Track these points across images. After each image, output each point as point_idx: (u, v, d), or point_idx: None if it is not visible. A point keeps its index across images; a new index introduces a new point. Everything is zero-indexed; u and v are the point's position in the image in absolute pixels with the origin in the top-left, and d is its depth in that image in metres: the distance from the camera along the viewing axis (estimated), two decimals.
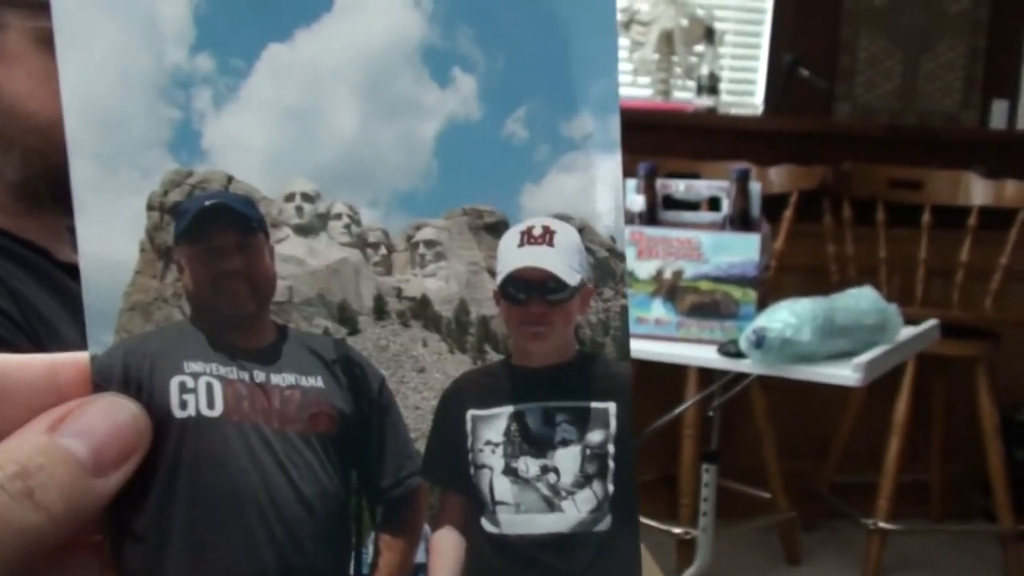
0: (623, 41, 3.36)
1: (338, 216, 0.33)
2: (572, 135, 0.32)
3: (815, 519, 3.16)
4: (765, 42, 3.58)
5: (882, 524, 2.77)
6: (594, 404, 0.33)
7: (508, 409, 0.34)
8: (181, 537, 0.31)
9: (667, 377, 2.49)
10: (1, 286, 0.90)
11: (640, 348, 1.82)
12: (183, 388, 0.32)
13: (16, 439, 0.29)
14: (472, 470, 0.34)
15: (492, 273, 0.34)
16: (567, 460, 0.33)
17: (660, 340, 1.85)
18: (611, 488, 0.33)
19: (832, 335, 1.70)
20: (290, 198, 0.32)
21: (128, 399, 0.30)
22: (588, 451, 0.33)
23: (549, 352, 0.34)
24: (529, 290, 0.34)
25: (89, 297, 0.31)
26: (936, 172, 3.04)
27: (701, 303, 1.84)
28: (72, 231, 1.06)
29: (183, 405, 0.31)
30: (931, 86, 3.58)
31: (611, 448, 0.33)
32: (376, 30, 0.31)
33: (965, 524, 3.24)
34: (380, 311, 0.33)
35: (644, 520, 2.54)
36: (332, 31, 0.31)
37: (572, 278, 0.34)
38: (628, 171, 1.95)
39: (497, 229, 0.33)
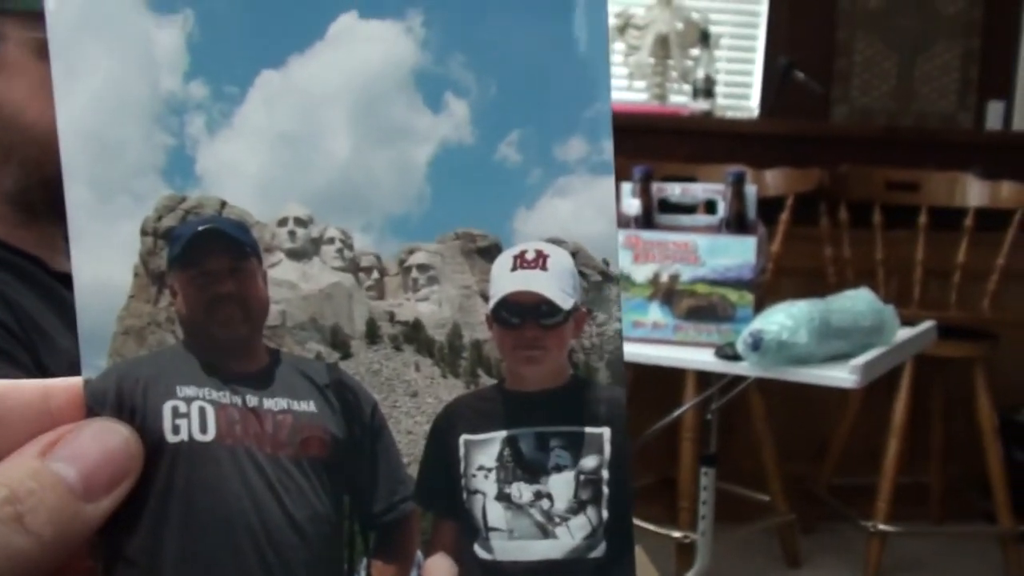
0: (619, 45, 3.36)
1: (331, 240, 0.33)
2: (565, 159, 0.32)
3: (814, 522, 3.16)
4: (761, 45, 3.59)
5: (881, 526, 2.77)
6: (588, 429, 0.33)
7: (501, 434, 0.34)
8: (173, 562, 0.31)
9: (665, 380, 2.49)
10: None
11: (637, 352, 1.82)
12: (176, 413, 0.32)
13: (7, 464, 0.29)
14: (465, 495, 0.34)
15: (485, 297, 0.34)
16: (561, 486, 0.33)
17: (657, 343, 1.85)
18: (605, 514, 0.33)
19: (829, 337, 1.70)
20: (283, 223, 0.32)
21: (120, 424, 0.30)
22: (582, 477, 0.33)
23: (543, 377, 0.34)
24: (522, 314, 0.34)
25: (83, 321, 0.31)
26: (933, 174, 3.05)
27: (698, 306, 1.84)
28: (67, 240, 1.06)
29: (176, 430, 0.31)
30: (927, 88, 3.59)
31: (605, 474, 0.33)
32: (369, 56, 0.32)
33: (965, 525, 3.23)
34: (373, 335, 0.33)
35: (643, 524, 2.53)
36: (325, 58, 0.31)
37: (565, 302, 0.34)
38: (624, 174, 1.95)
39: (490, 253, 0.33)
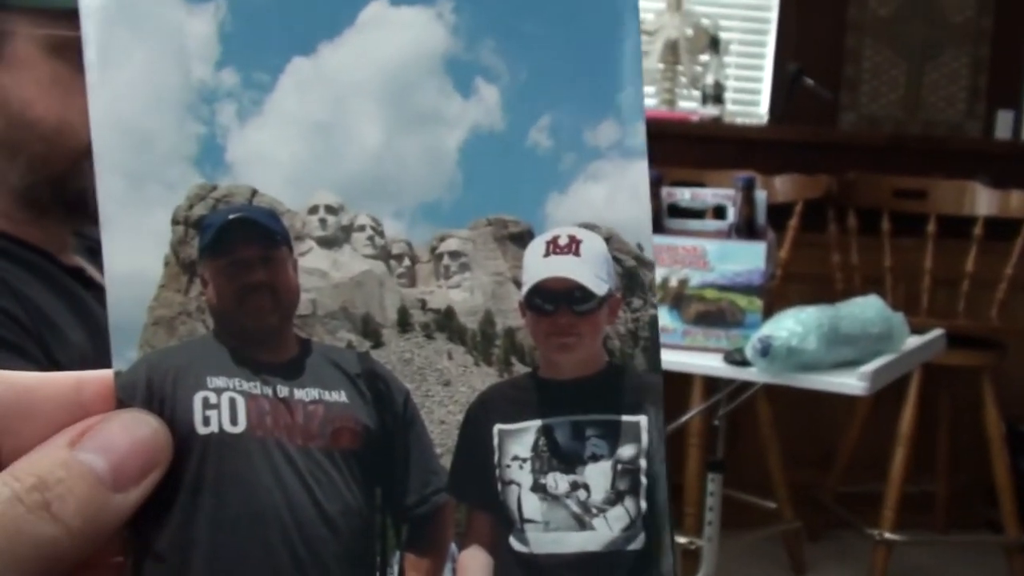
0: None
1: (362, 228, 0.33)
2: (597, 143, 0.32)
3: (821, 529, 3.15)
4: (770, 52, 3.59)
5: (887, 535, 2.76)
6: (625, 417, 0.33)
7: (536, 423, 0.33)
8: (203, 556, 0.31)
9: (672, 385, 2.49)
10: (8, 290, 0.90)
11: None
12: (206, 404, 0.31)
13: (37, 453, 0.29)
14: (499, 486, 0.33)
15: (517, 284, 0.34)
16: (597, 476, 0.33)
17: (666, 348, 1.84)
18: (644, 505, 0.32)
19: (838, 344, 1.70)
20: (314, 210, 0.32)
21: (149, 414, 0.30)
22: (619, 466, 0.33)
23: (577, 364, 0.34)
24: (555, 300, 0.34)
25: (114, 312, 0.31)
26: (941, 182, 3.04)
27: (707, 311, 1.83)
28: (75, 235, 1.06)
29: (206, 421, 0.31)
30: (935, 96, 3.58)
31: (643, 463, 0.33)
32: (399, 43, 0.31)
33: (971, 535, 3.23)
34: (404, 323, 0.33)
35: None
36: (355, 44, 0.31)
37: (599, 288, 0.34)
38: None
39: (522, 239, 0.33)
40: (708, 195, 1.97)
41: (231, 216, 0.31)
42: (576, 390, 0.33)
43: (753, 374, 1.74)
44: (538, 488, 0.33)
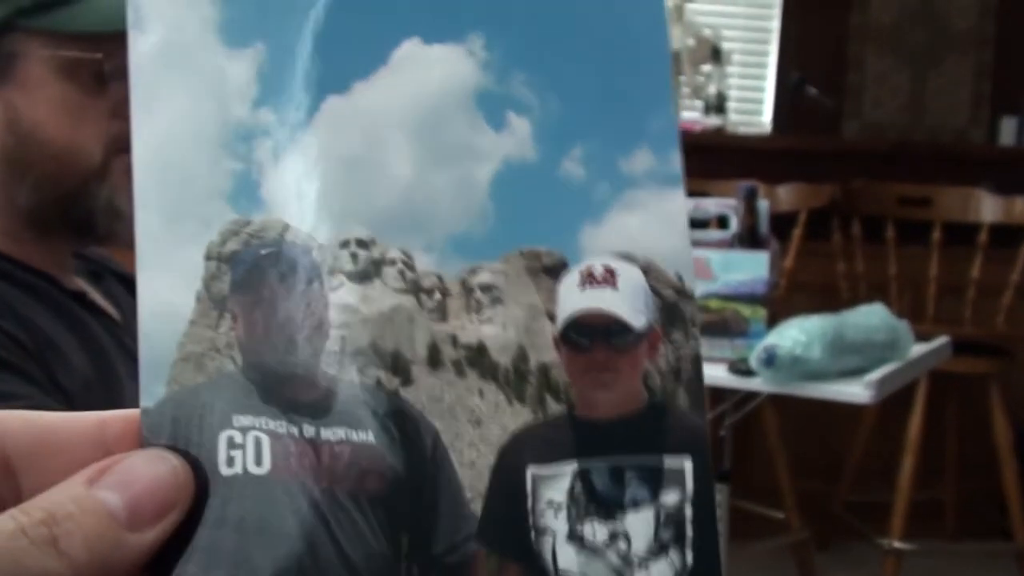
0: None
1: (392, 262, 0.32)
2: (632, 171, 0.31)
3: (830, 539, 3.14)
4: (772, 61, 3.59)
5: (897, 544, 2.74)
6: (668, 460, 0.31)
7: (572, 466, 0.31)
8: None
9: None
10: (11, 312, 0.91)
11: None
12: (231, 443, 0.31)
13: (54, 490, 0.28)
14: (533, 535, 0.31)
15: (552, 318, 0.32)
16: (639, 524, 0.30)
17: None
18: (690, 557, 0.30)
19: (843, 352, 1.70)
20: (345, 245, 0.32)
21: (171, 453, 0.30)
22: (663, 514, 0.30)
23: (616, 402, 0.32)
24: (592, 335, 0.32)
25: (145, 348, 0.30)
26: (945, 189, 3.04)
27: (711, 321, 1.83)
28: (77, 257, 1.07)
29: (230, 462, 0.30)
30: (939, 103, 3.58)
31: (688, 511, 0.30)
32: (431, 79, 0.32)
33: (981, 543, 3.21)
34: (434, 360, 0.32)
35: None
36: (389, 82, 0.31)
37: (638, 321, 0.32)
38: None
39: (556, 271, 0.32)
40: (711, 205, 1.97)
41: (263, 251, 0.31)
42: (615, 430, 0.31)
43: (758, 384, 1.74)
44: (574, 537, 0.31)
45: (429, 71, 0.32)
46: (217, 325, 0.32)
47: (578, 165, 0.32)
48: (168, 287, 0.31)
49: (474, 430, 0.32)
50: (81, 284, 1.02)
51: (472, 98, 0.32)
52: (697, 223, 1.97)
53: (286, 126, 0.31)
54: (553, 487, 0.31)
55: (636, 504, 0.31)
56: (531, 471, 0.31)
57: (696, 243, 1.87)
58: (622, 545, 0.30)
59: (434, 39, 0.32)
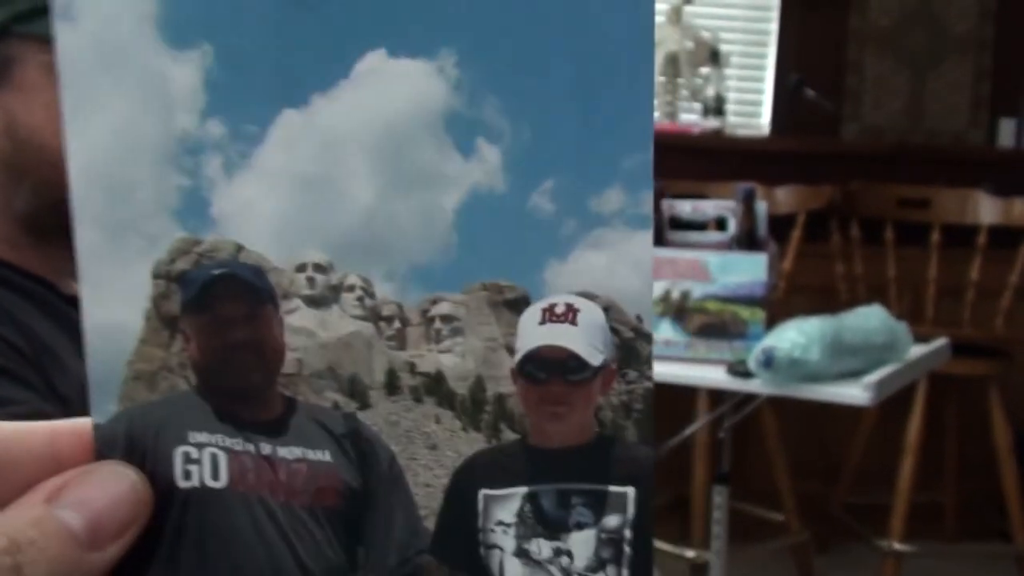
0: None
1: (351, 288, 0.32)
2: (601, 210, 0.31)
3: (829, 540, 3.13)
4: (771, 63, 3.59)
5: (897, 545, 2.74)
6: (612, 488, 0.32)
7: (522, 490, 0.33)
8: None
9: (676, 398, 2.48)
10: (8, 318, 0.91)
11: None
12: (187, 458, 0.31)
13: (11, 511, 0.28)
14: (483, 550, 0.33)
15: (511, 350, 0.33)
16: (581, 544, 0.32)
17: (669, 361, 1.84)
18: (626, 574, 0.32)
19: (841, 354, 1.70)
20: (301, 268, 0.31)
21: (129, 468, 0.30)
22: (604, 535, 0.32)
23: (567, 433, 0.33)
24: (549, 369, 0.33)
25: (93, 365, 0.30)
26: (944, 191, 3.04)
27: (709, 323, 1.83)
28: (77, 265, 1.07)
29: (187, 475, 0.31)
30: (938, 105, 3.58)
31: (628, 533, 0.32)
32: (396, 98, 0.30)
33: (980, 544, 3.21)
34: (392, 386, 0.32)
35: (655, 543, 2.52)
36: (350, 98, 0.30)
37: (595, 358, 0.33)
38: None
39: (518, 305, 0.32)
40: (709, 207, 1.97)
41: (215, 272, 0.31)
42: (564, 459, 0.33)
43: (757, 386, 1.74)
44: (521, 553, 0.33)
45: (395, 88, 0.30)
46: (169, 345, 0.31)
47: (547, 200, 0.31)
48: (114, 304, 0.30)
49: (430, 453, 0.32)
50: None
51: (441, 121, 0.31)
52: (695, 225, 1.97)
53: (238, 140, 0.30)
54: (503, 508, 0.33)
55: (580, 525, 0.32)
56: (483, 493, 0.33)
57: (694, 245, 1.87)
58: (565, 561, 0.32)
59: (401, 52, 0.30)
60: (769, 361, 1.66)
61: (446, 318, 0.33)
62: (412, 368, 0.33)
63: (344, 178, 0.30)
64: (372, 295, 0.32)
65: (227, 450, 0.31)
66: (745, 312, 1.81)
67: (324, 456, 0.32)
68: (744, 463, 2.87)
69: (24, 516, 0.28)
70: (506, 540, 0.33)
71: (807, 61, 3.49)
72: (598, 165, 0.30)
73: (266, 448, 0.32)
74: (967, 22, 3.56)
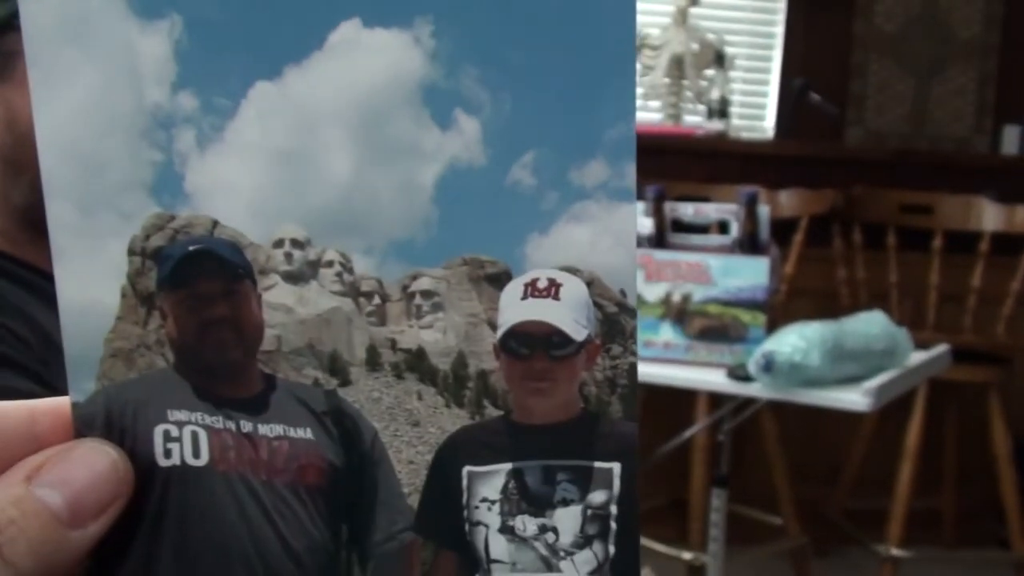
0: None
1: (330, 264, 0.32)
2: (583, 183, 0.30)
3: (827, 545, 3.13)
4: (776, 67, 3.59)
5: (895, 551, 2.74)
6: (597, 464, 0.32)
7: (506, 466, 0.33)
8: None
9: (676, 401, 2.48)
10: (16, 312, 0.91)
11: (649, 372, 1.81)
12: (167, 437, 0.30)
13: None
14: (467, 527, 0.33)
15: (493, 326, 0.33)
16: (567, 520, 0.32)
17: (669, 364, 1.84)
18: (612, 549, 0.32)
19: (842, 359, 1.69)
20: (279, 244, 0.31)
21: (109, 445, 0.29)
22: (589, 511, 0.32)
23: (551, 409, 0.33)
24: (532, 345, 0.33)
25: (69, 343, 0.30)
26: (947, 197, 3.04)
27: (710, 326, 1.83)
28: None
29: (167, 454, 0.30)
30: (942, 111, 3.58)
31: (614, 509, 0.32)
32: (372, 69, 0.30)
33: (979, 551, 3.20)
34: (373, 362, 0.32)
35: (653, 545, 2.52)
36: (325, 69, 0.29)
37: (578, 333, 0.33)
38: (637, 194, 1.95)
39: (499, 280, 0.32)
40: (711, 210, 1.97)
41: (191, 248, 0.30)
42: (548, 435, 0.33)
43: (756, 389, 1.73)
44: (506, 530, 0.32)
45: (371, 59, 0.30)
46: (145, 322, 0.31)
47: (528, 173, 0.30)
48: (90, 282, 0.30)
49: (412, 430, 0.32)
50: None
51: (418, 92, 0.30)
52: (697, 228, 1.97)
53: (211, 114, 0.29)
54: (487, 484, 0.33)
55: (565, 502, 0.32)
56: (467, 469, 0.33)
57: (696, 248, 1.87)
58: (550, 537, 0.32)
59: (376, 22, 0.29)
60: (769, 365, 1.66)
61: (426, 293, 0.33)
62: (393, 344, 0.32)
63: (320, 152, 0.30)
64: (351, 271, 0.32)
65: (207, 428, 0.31)
66: (746, 316, 1.81)
67: (306, 434, 0.32)
68: (743, 466, 2.87)
69: (4, 495, 0.28)
70: (491, 517, 0.33)
71: (812, 65, 3.49)
72: (580, 137, 0.30)
73: (247, 426, 0.31)
74: (972, 28, 3.56)
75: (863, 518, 3.01)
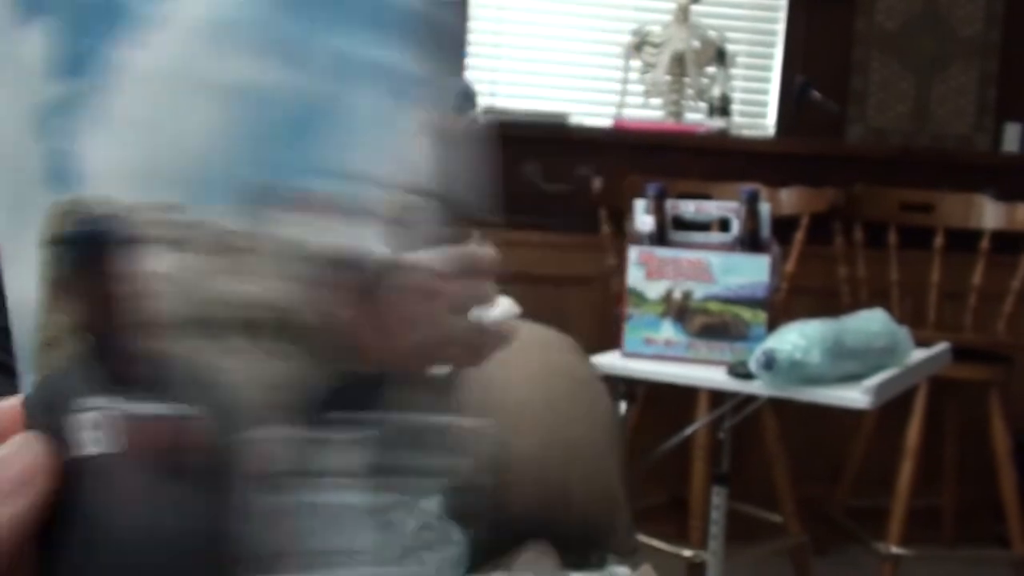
0: (635, 63, 3.36)
1: (199, 225, 0.32)
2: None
3: (828, 543, 3.13)
4: (777, 64, 3.59)
5: (895, 549, 2.74)
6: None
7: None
8: None
9: (677, 398, 2.49)
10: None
11: (650, 369, 1.82)
12: (85, 425, 0.31)
13: None
14: None
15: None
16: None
17: (670, 361, 1.84)
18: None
19: (842, 357, 1.70)
20: (156, 210, 0.32)
21: (34, 436, 0.31)
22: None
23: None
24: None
25: (17, 340, 0.31)
26: (948, 195, 3.04)
27: (711, 324, 1.83)
28: None
29: (85, 442, 0.31)
30: (943, 109, 3.58)
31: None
32: (205, 7, 0.31)
33: (979, 550, 3.21)
34: (251, 324, 0.32)
35: (653, 542, 2.52)
36: (167, 29, 0.30)
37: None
38: (638, 192, 1.95)
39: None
40: (712, 208, 1.97)
41: (87, 230, 0.31)
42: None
43: (757, 387, 1.74)
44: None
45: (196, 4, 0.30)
46: (66, 311, 0.32)
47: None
48: (25, 279, 0.31)
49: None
50: None
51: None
52: (698, 225, 1.97)
53: (90, 95, 0.30)
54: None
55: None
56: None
57: (697, 246, 1.87)
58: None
59: None
60: (770, 363, 1.66)
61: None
62: (268, 304, 0.32)
63: (183, 116, 0.31)
64: (225, 229, 0.32)
65: (118, 413, 0.31)
66: (747, 313, 1.81)
67: (202, 411, 0.32)
68: (743, 464, 2.87)
69: None
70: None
71: (813, 63, 3.49)
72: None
73: (150, 408, 0.31)
74: (973, 26, 3.56)
75: (863, 516, 3.01)
